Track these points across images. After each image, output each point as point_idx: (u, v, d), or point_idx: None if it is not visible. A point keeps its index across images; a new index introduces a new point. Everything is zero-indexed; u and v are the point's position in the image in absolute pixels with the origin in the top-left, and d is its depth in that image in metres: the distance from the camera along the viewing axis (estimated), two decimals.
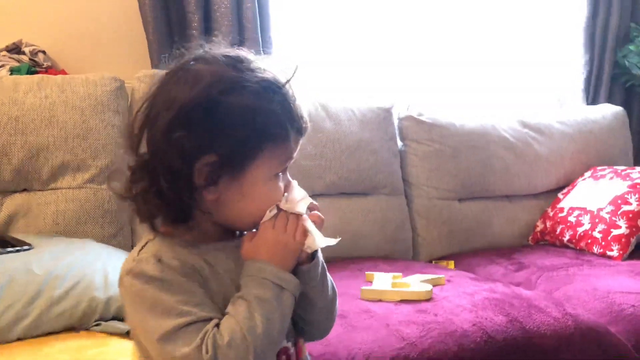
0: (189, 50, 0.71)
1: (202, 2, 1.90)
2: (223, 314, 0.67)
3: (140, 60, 1.91)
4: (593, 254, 1.84)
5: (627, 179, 1.94)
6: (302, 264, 0.73)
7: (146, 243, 0.69)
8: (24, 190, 1.53)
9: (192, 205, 0.67)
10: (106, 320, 1.13)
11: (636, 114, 2.53)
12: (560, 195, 2.11)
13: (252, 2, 1.94)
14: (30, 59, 1.82)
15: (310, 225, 0.71)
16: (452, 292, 1.42)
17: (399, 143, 2.04)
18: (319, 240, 0.71)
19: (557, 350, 1.26)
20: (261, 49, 1.97)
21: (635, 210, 1.83)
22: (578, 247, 1.90)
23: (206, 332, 0.63)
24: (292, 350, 0.74)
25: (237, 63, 0.68)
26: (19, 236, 1.37)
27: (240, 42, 2.02)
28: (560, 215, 2.00)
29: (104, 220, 1.53)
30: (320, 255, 0.76)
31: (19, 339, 1.08)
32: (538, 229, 2.08)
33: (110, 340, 1.09)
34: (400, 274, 1.53)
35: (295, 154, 0.73)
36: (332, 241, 0.72)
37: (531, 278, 1.65)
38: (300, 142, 0.74)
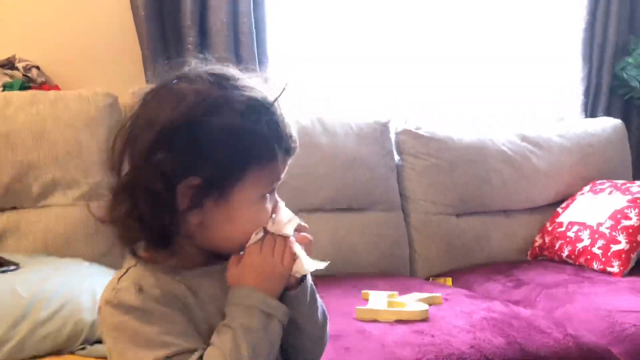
0: (175, 67, 0.69)
1: (198, 17, 1.89)
2: (207, 344, 0.64)
3: (135, 76, 1.90)
4: (593, 270, 1.81)
5: (627, 193, 1.92)
6: (290, 289, 0.70)
7: (127, 270, 0.67)
8: (14, 208, 1.51)
9: (173, 230, 0.65)
10: (91, 344, 1.10)
11: (635, 127, 2.51)
12: (559, 210, 2.08)
13: (248, 17, 1.93)
14: (23, 74, 1.81)
15: (298, 249, 0.69)
16: (449, 312, 1.39)
17: (396, 157, 2.02)
18: (307, 265, 0.68)
19: None
20: (257, 64, 1.96)
21: (636, 225, 1.80)
22: (577, 263, 1.87)
23: None
24: None
25: (222, 81, 0.66)
26: (7, 255, 1.34)
27: (237, 58, 2.01)
28: (559, 230, 1.98)
29: (95, 238, 1.50)
30: (309, 279, 0.73)
31: None
32: (537, 244, 2.05)
33: None
34: (396, 292, 1.50)
35: (283, 175, 0.71)
36: (321, 265, 0.70)
37: (530, 296, 1.62)
38: (289, 162, 0.71)
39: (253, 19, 1.94)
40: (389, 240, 1.90)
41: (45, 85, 1.82)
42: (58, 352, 1.09)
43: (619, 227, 1.81)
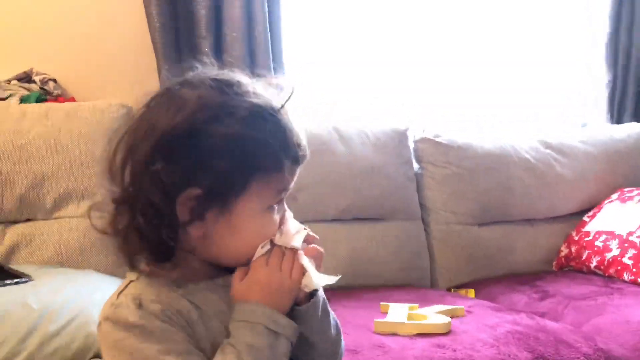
0: (180, 73, 0.67)
1: (213, 27, 1.88)
2: None
3: (151, 87, 1.89)
4: (623, 281, 1.73)
5: None
6: (300, 304, 0.66)
7: (128, 284, 0.64)
8: (28, 220, 1.51)
9: (173, 243, 0.61)
10: (102, 358, 1.07)
11: None
12: (585, 219, 2.01)
13: (264, 27, 1.91)
14: (40, 87, 1.82)
15: (306, 262, 0.65)
16: (472, 325, 1.34)
17: (415, 166, 1.97)
18: (317, 279, 0.65)
19: None
20: (273, 73, 1.94)
21: None
22: (607, 274, 1.80)
23: None
24: None
25: (226, 87, 0.63)
26: (20, 267, 1.34)
27: (252, 67, 2.01)
28: (586, 239, 1.91)
29: (108, 249, 1.48)
30: (321, 293, 0.69)
31: None
32: (562, 254, 1.98)
33: None
34: (416, 304, 1.46)
35: (291, 185, 0.67)
36: (332, 279, 0.66)
37: (557, 308, 1.56)
38: (298, 171, 0.68)
39: (268, 29, 1.92)
40: (408, 250, 1.86)
41: (61, 97, 1.83)
42: None
43: None
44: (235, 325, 0.62)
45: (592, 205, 2.06)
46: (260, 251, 0.64)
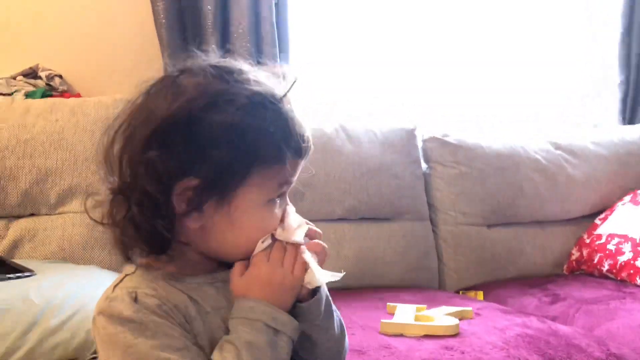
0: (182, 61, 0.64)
1: (220, 24, 1.87)
2: (208, 359, 0.58)
3: None
4: (636, 285, 1.69)
5: None
6: (302, 301, 0.64)
7: (124, 277, 0.62)
8: (31, 214, 1.50)
9: (169, 234, 0.59)
10: None
11: None
12: (597, 221, 1.97)
13: (270, 23, 1.90)
14: (46, 83, 1.81)
15: (309, 258, 0.62)
16: (481, 327, 1.31)
17: (423, 165, 1.95)
18: (320, 275, 0.62)
19: None
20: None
21: None
22: (619, 278, 1.76)
23: None
24: None
25: (226, 74, 0.61)
26: (23, 262, 1.33)
27: (258, 64, 1.99)
28: (597, 242, 1.87)
29: (112, 245, 1.47)
30: (324, 289, 0.66)
31: None
32: (573, 257, 1.94)
33: None
34: (424, 305, 1.43)
35: (294, 178, 0.64)
36: (336, 276, 0.63)
37: (568, 312, 1.52)
38: (302, 164, 0.65)
39: (275, 25, 1.91)
40: (416, 251, 1.83)
41: (67, 93, 1.82)
42: None
43: None
44: (235, 322, 0.60)
45: (604, 208, 2.02)
46: (260, 246, 0.62)
